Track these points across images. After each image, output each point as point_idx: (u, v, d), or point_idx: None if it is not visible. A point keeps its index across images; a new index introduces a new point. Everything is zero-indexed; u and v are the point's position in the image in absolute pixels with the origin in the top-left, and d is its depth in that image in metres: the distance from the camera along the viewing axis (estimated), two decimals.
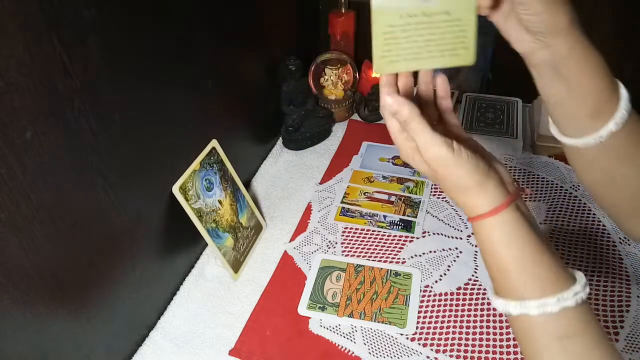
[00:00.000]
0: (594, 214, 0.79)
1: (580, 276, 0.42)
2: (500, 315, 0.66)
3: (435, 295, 0.70)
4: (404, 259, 0.75)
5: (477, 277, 0.71)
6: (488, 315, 0.67)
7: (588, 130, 0.46)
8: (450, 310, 0.68)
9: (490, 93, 1.05)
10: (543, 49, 0.45)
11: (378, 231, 0.79)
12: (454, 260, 0.74)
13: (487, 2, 0.44)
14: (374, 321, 0.67)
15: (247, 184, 0.89)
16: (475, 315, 0.67)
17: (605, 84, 0.46)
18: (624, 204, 0.52)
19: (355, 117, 1.04)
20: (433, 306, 0.68)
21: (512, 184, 0.46)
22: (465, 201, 0.45)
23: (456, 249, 0.76)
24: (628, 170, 0.49)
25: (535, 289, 0.42)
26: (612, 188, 0.51)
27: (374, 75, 0.42)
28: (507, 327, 0.65)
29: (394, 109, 0.44)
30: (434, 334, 0.65)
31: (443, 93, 0.49)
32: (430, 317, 0.67)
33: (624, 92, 0.47)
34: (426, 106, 0.49)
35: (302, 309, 0.69)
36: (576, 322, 0.41)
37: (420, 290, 0.70)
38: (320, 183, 0.89)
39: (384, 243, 0.78)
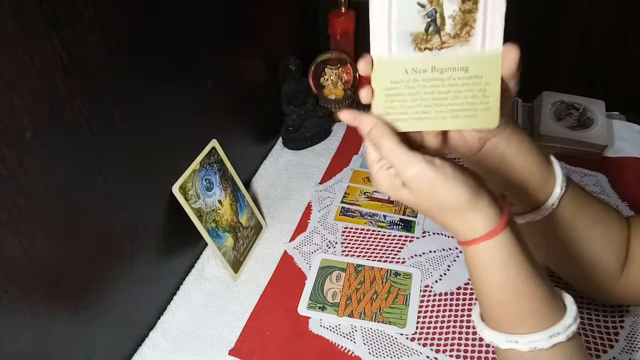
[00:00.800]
0: None
1: (570, 304, 0.41)
2: None
3: (435, 295, 0.70)
4: (404, 258, 0.75)
5: None
6: None
7: (538, 203, 0.50)
8: (450, 310, 0.68)
9: None
10: (490, 146, 0.46)
11: (378, 231, 0.79)
12: (454, 260, 0.74)
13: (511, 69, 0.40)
14: (374, 321, 0.67)
15: (247, 184, 0.89)
16: None
17: (543, 158, 0.50)
18: (584, 268, 0.55)
19: None
20: (433, 306, 0.68)
21: (501, 198, 0.42)
22: (455, 225, 0.41)
23: (456, 248, 0.76)
24: (578, 234, 0.52)
25: (528, 323, 0.40)
26: (568, 255, 0.54)
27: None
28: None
29: (365, 130, 0.40)
30: (434, 334, 0.65)
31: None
32: (430, 317, 0.67)
33: (555, 160, 0.51)
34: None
35: (302, 309, 0.69)
36: (565, 356, 0.41)
37: (420, 290, 0.70)
38: (320, 183, 0.89)
39: (384, 243, 0.78)
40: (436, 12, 0.37)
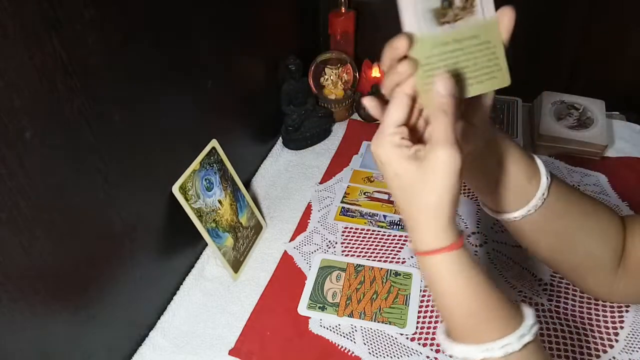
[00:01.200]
0: None
1: (525, 307, 0.43)
2: None
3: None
4: (404, 258, 0.75)
5: None
6: None
7: (532, 193, 0.52)
8: None
9: None
10: (488, 150, 0.49)
11: (378, 231, 0.79)
12: None
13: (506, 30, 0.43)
14: (374, 321, 0.67)
15: (247, 184, 0.89)
16: None
17: (526, 152, 0.52)
18: (579, 262, 0.56)
19: (355, 116, 1.04)
20: (433, 306, 0.68)
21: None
22: (424, 229, 0.42)
23: None
24: (571, 225, 0.54)
25: (497, 328, 0.41)
26: (563, 249, 0.55)
27: (425, 108, 0.41)
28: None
29: (443, 90, 0.40)
30: (434, 334, 0.65)
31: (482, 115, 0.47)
32: (430, 317, 0.67)
33: (533, 154, 0.53)
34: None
35: (302, 309, 0.69)
36: (533, 356, 0.42)
37: (420, 290, 0.70)
38: (320, 183, 0.89)
39: (384, 243, 0.78)
40: None
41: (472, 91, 0.43)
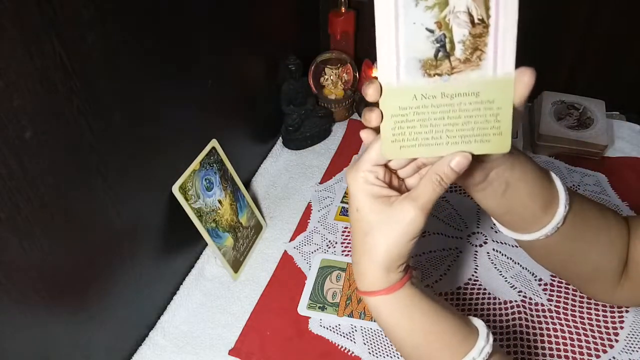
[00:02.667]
0: None
1: (481, 327, 0.43)
2: (500, 315, 0.66)
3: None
4: None
5: (477, 277, 0.71)
6: (488, 315, 0.67)
7: (545, 222, 0.48)
8: None
9: None
10: (494, 175, 0.45)
11: None
12: (454, 260, 0.74)
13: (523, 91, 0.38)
14: (374, 321, 0.67)
15: (247, 184, 0.89)
16: (475, 316, 0.66)
17: (546, 179, 0.48)
18: (585, 274, 0.55)
19: (355, 116, 1.04)
20: None
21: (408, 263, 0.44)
22: (364, 271, 0.43)
23: (456, 248, 0.76)
24: (582, 246, 0.52)
25: (446, 358, 0.42)
26: (572, 264, 0.54)
27: (385, 157, 0.42)
28: (507, 327, 0.65)
29: (446, 166, 0.39)
30: None
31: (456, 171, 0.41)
32: None
33: (555, 177, 0.49)
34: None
35: (302, 309, 0.69)
36: None
37: None
38: (320, 183, 0.89)
39: None
40: (445, 37, 0.35)
41: (452, 151, 0.39)
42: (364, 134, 0.43)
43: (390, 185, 0.43)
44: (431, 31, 0.35)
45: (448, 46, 0.36)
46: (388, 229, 0.40)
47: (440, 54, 0.36)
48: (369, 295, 0.43)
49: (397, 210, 0.40)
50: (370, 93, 0.38)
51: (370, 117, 0.39)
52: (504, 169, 0.44)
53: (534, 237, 0.49)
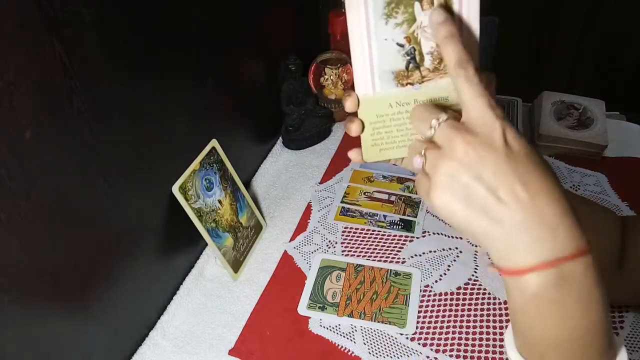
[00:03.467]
0: None
1: (623, 355, 0.36)
2: (500, 315, 0.66)
3: (435, 295, 0.70)
4: (403, 258, 0.75)
5: (477, 277, 0.71)
6: (488, 315, 0.67)
7: None
8: (450, 310, 0.68)
9: None
10: None
11: (378, 231, 0.79)
12: (454, 260, 0.74)
13: None
14: (374, 321, 0.67)
15: (247, 184, 0.89)
16: (475, 315, 0.67)
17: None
18: None
19: None
20: (433, 306, 0.68)
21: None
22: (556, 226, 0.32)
23: (456, 248, 0.76)
24: None
25: None
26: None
27: (366, 161, 0.44)
28: (507, 327, 0.65)
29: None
30: (433, 334, 0.65)
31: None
32: (430, 317, 0.67)
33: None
34: None
35: (302, 309, 0.69)
36: None
37: (420, 290, 0.70)
38: (320, 183, 0.89)
39: (384, 243, 0.78)
40: (415, 50, 0.38)
41: None
42: (352, 155, 0.44)
43: None
44: (401, 45, 0.38)
45: (418, 58, 0.39)
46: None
47: (411, 65, 0.39)
48: (566, 260, 0.31)
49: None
50: (348, 105, 0.41)
51: (351, 127, 0.42)
52: None
53: None
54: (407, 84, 0.40)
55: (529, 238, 0.32)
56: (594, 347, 0.34)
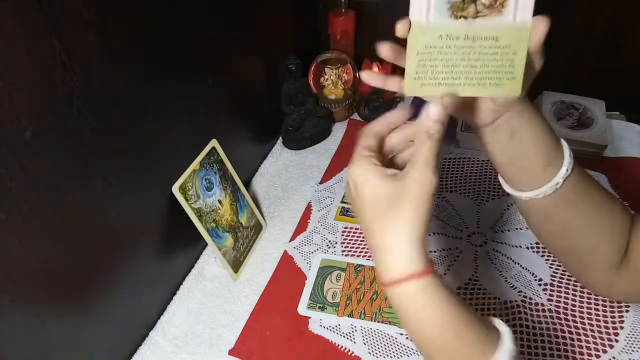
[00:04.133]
0: None
1: (503, 329, 0.41)
2: (500, 315, 0.66)
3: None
4: None
5: (477, 277, 0.72)
6: (488, 315, 0.67)
7: (545, 180, 0.49)
8: None
9: None
10: (503, 119, 0.47)
11: None
12: (454, 260, 0.74)
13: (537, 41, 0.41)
14: (374, 321, 0.67)
15: (247, 184, 0.89)
16: None
17: (553, 137, 0.50)
18: (581, 256, 0.55)
19: (355, 116, 1.04)
20: None
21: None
22: (391, 257, 0.41)
23: (456, 248, 0.76)
24: (580, 218, 0.52)
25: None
26: (570, 236, 0.54)
27: (406, 94, 0.43)
28: None
29: (434, 115, 0.41)
30: None
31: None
32: None
33: (564, 142, 0.50)
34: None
35: (302, 309, 0.69)
36: None
37: None
38: (320, 183, 0.89)
39: None
40: None
41: (467, 91, 0.42)
42: (365, 75, 0.45)
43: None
44: None
45: None
46: (406, 202, 0.40)
47: None
48: (405, 281, 0.40)
49: (407, 178, 0.40)
50: (399, 28, 0.40)
51: (398, 26, 0.41)
52: (513, 114, 0.46)
53: (532, 195, 0.50)
54: (460, 17, 0.39)
55: (379, 264, 0.42)
56: (467, 343, 0.40)
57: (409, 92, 0.42)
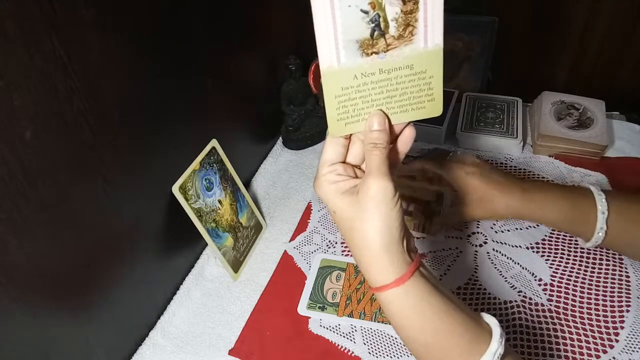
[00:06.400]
0: None
1: (494, 326, 0.42)
2: (500, 315, 0.66)
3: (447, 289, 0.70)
4: None
5: (477, 277, 0.71)
6: None
7: (590, 232, 0.60)
8: None
9: (490, 93, 1.05)
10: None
11: None
12: (454, 260, 0.74)
13: None
14: (374, 321, 0.67)
15: (247, 184, 0.89)
16: None
17: (574, 194, 0.61)
18: None
19: None
20: None
21: (414, 249, 0.44)
22: (368, 268, 0.42)
23: (456, 248, 0.76)
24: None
25: (457, 358, 0.41)
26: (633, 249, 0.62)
27: (332, 136, 0.44)
28: (507, 327, 0.65)
29: (373, 127, 0.42)
30: None
31: (404, 147, 0.45)
32: None
33: (591, 187, 0.60)
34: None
35: (302, 309, 0.69)
36: None
37: None
38: None
39: None
40: (379, 16, 0.37)
41: (393, 120, 0.42)
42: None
43: (356, 177, 0.44)
44: (366, 12, 0.37)
45: (382, 25, 0.37)
46: (366, 212, 0.40)
47: (376, 33, 0.38)
48: (380, 290, 0.41)
49: (363, 191, 0.40)
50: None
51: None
52: (517, 215, 0.59)
53: (593, 244, 0.60)
54: (372, 54, 0.38)
55: (364, 271, 0.43)
56: (453, 345, 0.41)
57: (334, 134, 0.42)
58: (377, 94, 0.40)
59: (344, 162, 0.44)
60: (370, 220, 0.40)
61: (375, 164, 0.40)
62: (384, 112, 0.41)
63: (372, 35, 0.38)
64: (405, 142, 0.44)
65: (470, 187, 0.67)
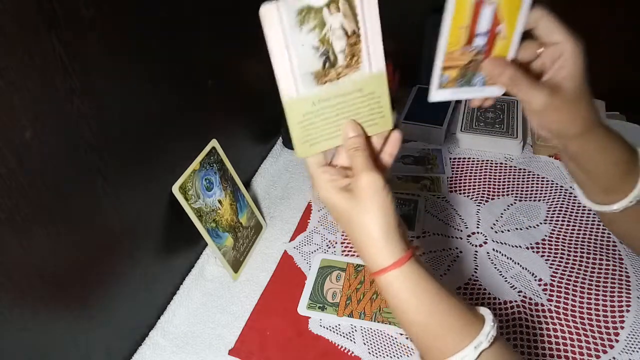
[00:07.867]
0: (593, 214, 0.79)
1: (487, 314, 0.44)
2: (500, 315, 0.66)
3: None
4: None
5: (477, 277, 0.72)
6: None
7: (603, 202, 0.54)
8: None
9: None
10: (564, 146, 0.53)
11: None
12: (454, 260, 0.74)
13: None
14: (374, 321, 0.67)
15: (247, 184, 0.89)
16: None
17: (617, 169, 0.56)
18: None
19: None
20: None
21: (407, 236, 0.47)
22: (368, 254, 0.45)
23: (456, 248, 0.76)
24: None
25: (451, 341, 0.43)
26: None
27: (300, 157, 0.50)
28: (507, 327, 0.65)
29: (349, 134, 0.46)
30: None
31: (393, 148, 0.48)
32: None
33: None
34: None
35: (302, 309, 0.69)
36: (494, 358, 0.43)
37: None
38: None
39: None
40: (329, 50, 0.42)
41: None
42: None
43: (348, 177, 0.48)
44: (316, 48, 0.42)
45: (332, 57, 0.43)
46: (362, 203, 0.44)
47: (327, 64, 0.43)
48: (380, 274, 0.44)
49: (356, 188, 0.44)
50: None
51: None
52: (581, 143, 0.54)
53: (597, 209, 0.55)
54: (325, 82, 0.43)
55: (364, 260, 0.46)
56: (450, 327, 0.43)
57: (301, 155, 0.47)
58: (335, 115, 0.45)
59: (329, 164, 0.48)
60: (367, 211, 0.44)
61: (360, 163, 0.44)
62: (354, 121, 0.46)
63: (324, 67, 0.43)
64: (393, 143, 0.48)
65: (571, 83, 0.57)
